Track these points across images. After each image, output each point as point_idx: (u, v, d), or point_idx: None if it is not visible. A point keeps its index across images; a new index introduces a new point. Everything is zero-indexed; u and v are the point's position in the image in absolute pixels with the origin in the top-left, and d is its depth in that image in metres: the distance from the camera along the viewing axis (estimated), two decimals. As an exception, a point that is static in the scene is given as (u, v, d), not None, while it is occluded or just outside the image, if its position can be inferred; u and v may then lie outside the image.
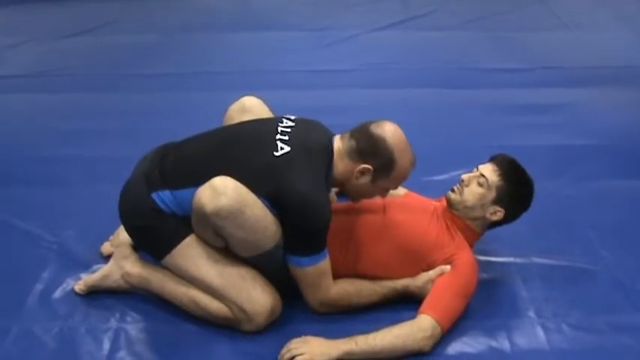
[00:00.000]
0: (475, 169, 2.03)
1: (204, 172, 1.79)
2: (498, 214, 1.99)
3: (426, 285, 1.93)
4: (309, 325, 1.93)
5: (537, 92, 3.35)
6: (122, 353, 1.86)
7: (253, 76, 3.40)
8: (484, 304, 2.03)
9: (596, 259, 2.22)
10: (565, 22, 4.25)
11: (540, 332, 1.94)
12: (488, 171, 1.99)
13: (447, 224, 2.02)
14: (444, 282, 1.90)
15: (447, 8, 4.43)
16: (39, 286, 2.06)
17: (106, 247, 2.18)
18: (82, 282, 2.04)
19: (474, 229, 2.03)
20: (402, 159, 1.88)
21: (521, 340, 1.92)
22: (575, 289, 2.10)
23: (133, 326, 1.95)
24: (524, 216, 2.13)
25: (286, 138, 1.87)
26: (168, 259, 1.89)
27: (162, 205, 1.86)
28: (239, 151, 1.87)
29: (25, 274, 2.11)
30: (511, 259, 2.21)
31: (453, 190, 2.02)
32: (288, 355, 1.79)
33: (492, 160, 2.04)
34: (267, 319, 1.88)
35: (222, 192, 1.71)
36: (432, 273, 1.94)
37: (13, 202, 2.46)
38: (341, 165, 1.89)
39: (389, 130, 1.88)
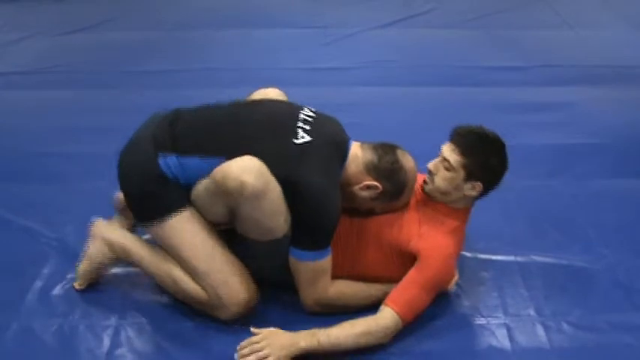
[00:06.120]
0: (439, 154, 1.96)
1: (215, 143, 1.78)
2: (477, 188, 1.93)
3: None
4: (308, 325, 1.89)
5: (538, 91, 3.34)
6: (122, 350, 1.86)
7: (254, 74, 3.39)
8: (484, 302, 2.03)
9: (597, 257, 2.21)
10: (566, 20, 4.25)
11: (541, 331, 1.94)
12: (449, 152, 1.92)
13: (417, 215, 1.97)
14: (410, 275, 1.88)
15: (448, 6, 4.43)
16: (38, 283, 2.06)
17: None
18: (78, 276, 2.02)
19: (461, 207, 1.99)
20: (406, 195, 1.95)
21: (522, 339, 1.92)
22: (575, 288, 2.09)
23: (133, 323, 1.94)
24: (524, 215, 2.14)
25: (308, 127, 1.86)
26: (158, 228, 1.86)
27: (166, 170, 1.82)
28: (256, 129, 1.85)
29: (24, 271, 2.10)
30: (511, 258, 2.20)
31: (425, 182, 1.98)
32: (247, 350, 1.76)
33: (450, 139, 1.95)
34: (241, 310, 1.87)
35: (249, 171, 1.70)
36: None
37: (13, 198, 2.45)
38: (353, 170, 1.90)
39: (410, 164, 1.93)
